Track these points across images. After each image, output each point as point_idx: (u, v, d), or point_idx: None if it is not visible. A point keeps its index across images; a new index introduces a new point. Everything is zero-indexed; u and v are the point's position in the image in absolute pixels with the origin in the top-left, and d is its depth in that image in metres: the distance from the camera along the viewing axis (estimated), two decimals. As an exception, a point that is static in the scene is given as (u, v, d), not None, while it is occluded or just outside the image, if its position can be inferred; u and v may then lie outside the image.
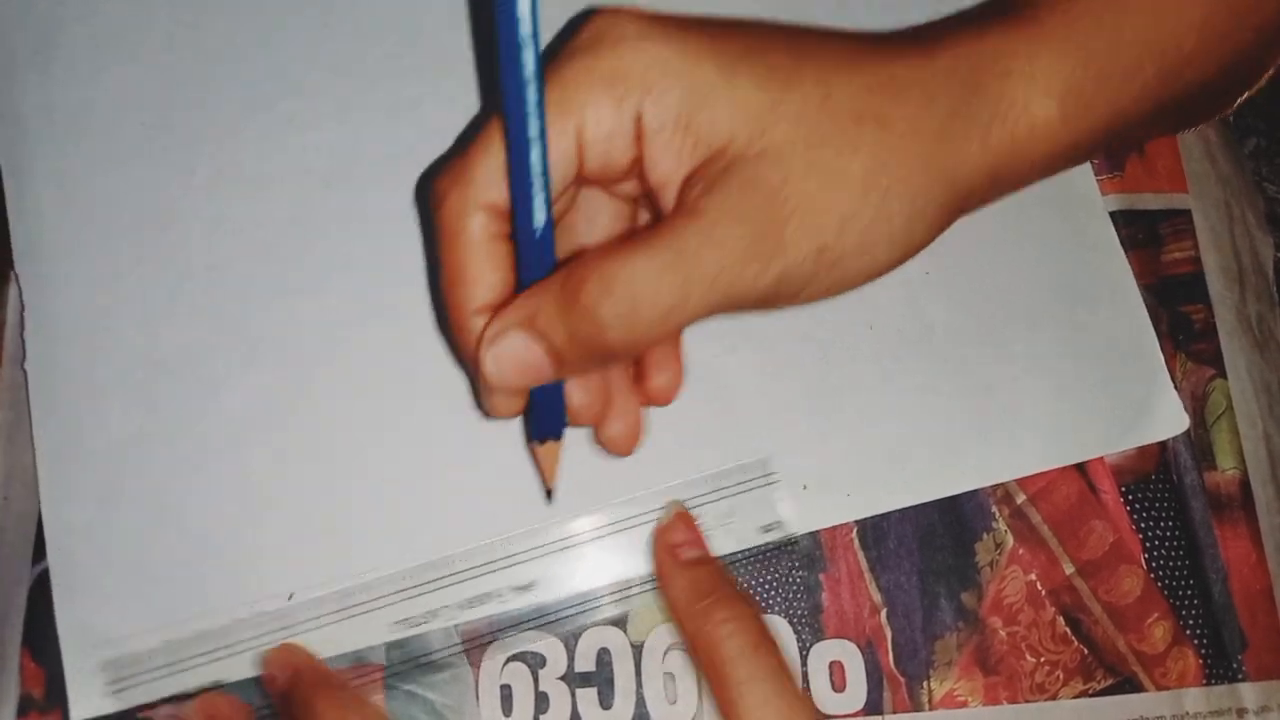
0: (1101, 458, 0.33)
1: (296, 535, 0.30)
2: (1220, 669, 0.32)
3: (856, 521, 0.31)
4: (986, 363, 0.33)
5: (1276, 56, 0.28)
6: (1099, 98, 0.25)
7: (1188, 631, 0.32)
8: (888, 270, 0.25)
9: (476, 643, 0.30)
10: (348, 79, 0.34)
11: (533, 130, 0.22)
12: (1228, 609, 0.32)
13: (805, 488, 0.31)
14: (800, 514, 0.31)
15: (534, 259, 0.24)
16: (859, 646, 0.31)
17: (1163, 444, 0.33)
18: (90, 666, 0.29)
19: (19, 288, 0.32)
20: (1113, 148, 0.30)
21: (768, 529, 0.31)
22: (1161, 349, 0.34)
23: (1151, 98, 0.26)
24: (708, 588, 0.29)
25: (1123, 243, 0.34)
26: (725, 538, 0.31)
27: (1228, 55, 0.27)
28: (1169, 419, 0.33)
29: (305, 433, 0.31)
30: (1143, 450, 0.33)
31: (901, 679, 0.31)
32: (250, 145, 0.33)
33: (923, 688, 0.31)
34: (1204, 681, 0.32)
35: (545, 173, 0.23)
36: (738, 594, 0.29)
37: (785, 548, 0.31)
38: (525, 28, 0.21)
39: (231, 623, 0.30)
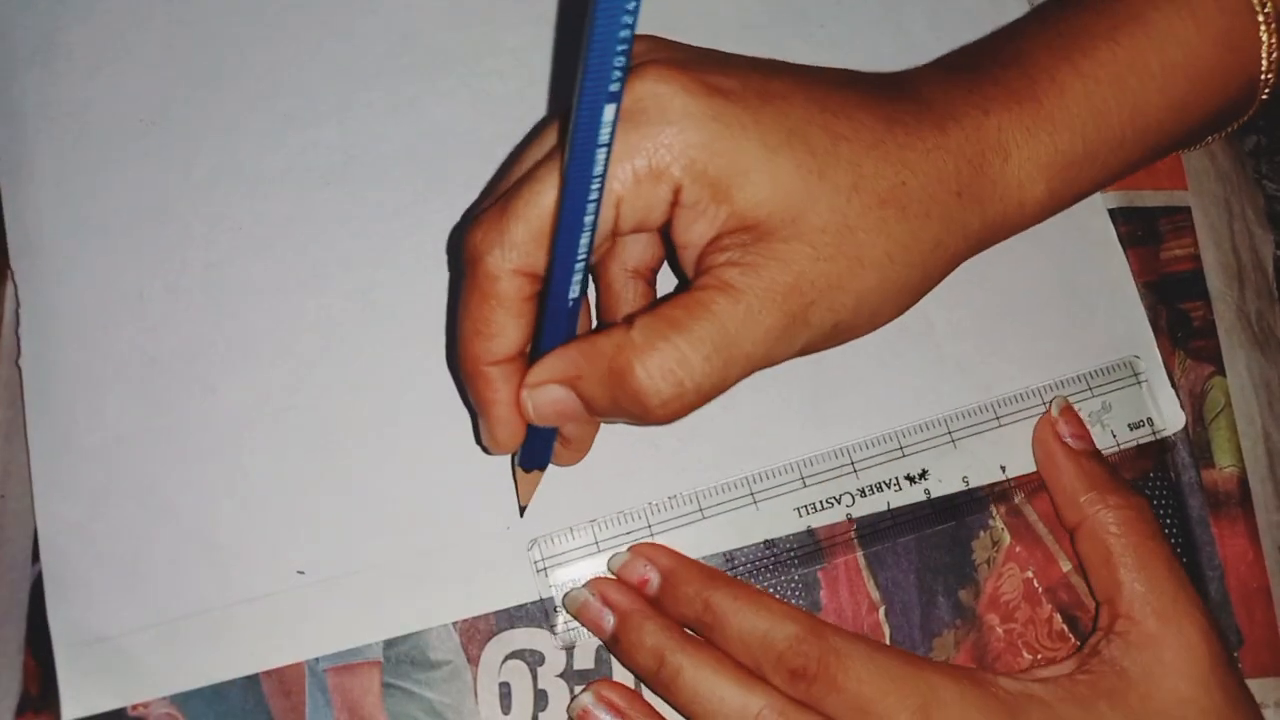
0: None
1: (293, 532, 0.30)
2: (1217, 666, 0.32)
3: (855, 519, 0.31)
4: (985, 360, 0.33)
5: (1244, 111, 0.31)
6: (1085, 174, 0.29)
7: (1185, 629, 0.32)
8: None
9: (475, 640, 0.30)
10: (346, 77, 0.34)
11: (588, 219, 0.23)
12: (1224, 606, 0.32)
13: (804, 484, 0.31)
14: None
15: (561, 326, 0.26)
16: (856, 644, 0.31)
17: (1160, 441, 0.33)
18: (83, 665, 0.29)
19: (14, 285, 0.32)
20: None
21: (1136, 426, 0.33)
22: (1160, 346, 0.34)
23: (1133, 163, 0.29)
24: (1099, 477, 0.30)
25: (1122, 240, 0.34)
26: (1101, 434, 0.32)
27: (1207, 121, 0.30)
28: (1167, 417, 0.33)
29: (302, 431, 0.31)
30: (1140, 447, 0.33)
31: (899, 676, 0.31)
32: (249, 143, 0.33)
33: (920, 685, 0.31)
34: (1201, 679, 0.32)
35: (590, 254, 0.24)
36: (1126, 485, 0.30)
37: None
38: (605, 135, 0.22)
39: (646, 505, 0.31)
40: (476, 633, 0.30)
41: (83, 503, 0.30)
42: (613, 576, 0.30)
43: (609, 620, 0.29)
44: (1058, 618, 0.32)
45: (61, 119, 0.33)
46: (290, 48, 0.34)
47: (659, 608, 0.29)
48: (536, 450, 0.29)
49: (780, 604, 0.28)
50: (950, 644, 0.31)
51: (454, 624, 0.30)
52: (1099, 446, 0.32)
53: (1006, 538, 0.32)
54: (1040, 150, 0.28)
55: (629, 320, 0.25)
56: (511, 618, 0.30)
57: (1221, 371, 0.34)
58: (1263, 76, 0.29)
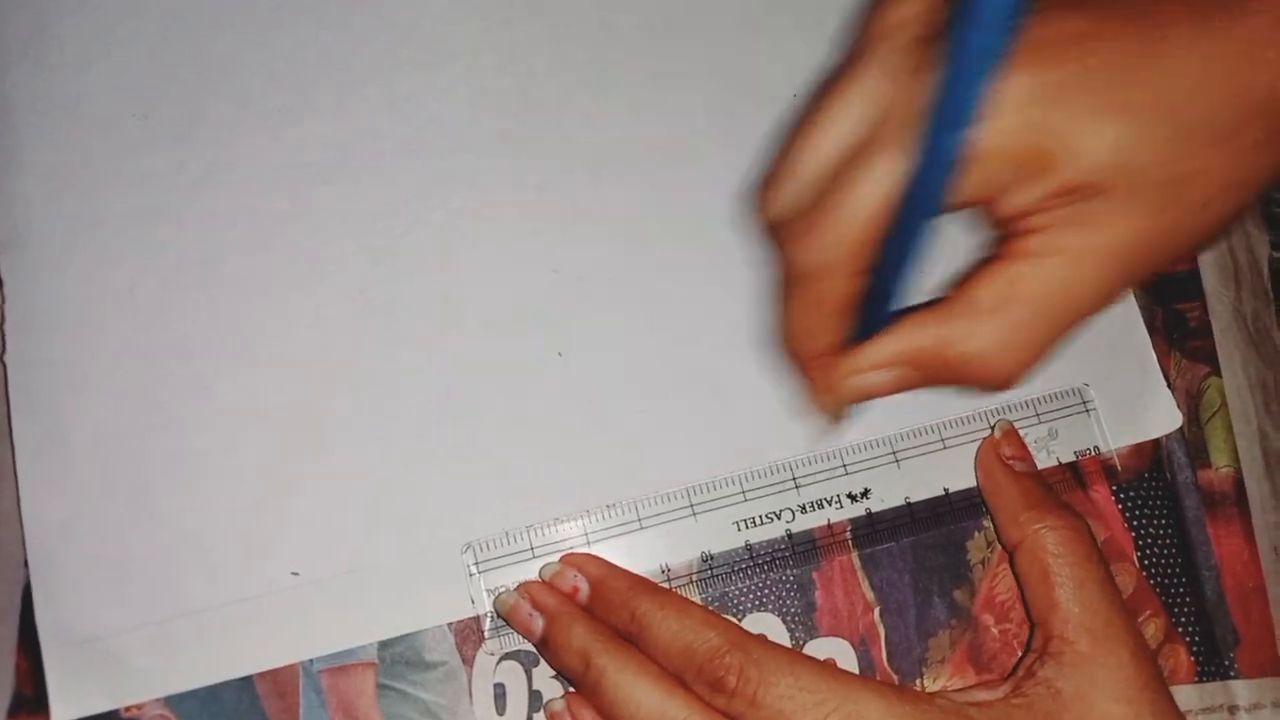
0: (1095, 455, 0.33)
1: (287, 532, 0.30)
2: (1212, 666, 0.32)
3: (850, 519, 0.31)
4: None
5: None
6: None
7: (1180, 629, 0.32)
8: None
9: (469, 641, 0.30)
10: (343, 72, 0.34)
11: (925, 233, 0.24)
12: (1220, 606, 0.32)
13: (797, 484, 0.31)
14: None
15: (878, 321, 0.27)
16: (852, 644, 0.31)
17: (1156, 441, 0.33)
18: (73, 666, 0.29)
19: (0, 280, 0.31)
20: None
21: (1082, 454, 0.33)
22: (1156, 347, 0.34)
23: None
24: (1039, 496, 0.30)
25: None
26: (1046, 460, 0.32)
27: None
28: (1163, 416, 0.33)
29: (296, 430, 0.31)
30: (1136, 447, 0.33)
31: (895, 676, 0.31)
32: (244, 138, 0.33)
33: (916, 685, 0.31)
34: (1196, 679, 0.32)
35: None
36: (1066, 506, 0.30)
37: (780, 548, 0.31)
38: (969, 117, 0.22)
39: (584, 512, 0.31)
40: (471, 634, 0.30)
41: (71, 502, 0.30)
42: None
43: (538, 623, 0.29)
44: (1053, 618, 0.32)
45: (53, 112, 0.33)
46: (286, 41, 0.34)
47: (594, 612, 0.29)
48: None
49: (706, 613, 0.28)
50: (945, 644, 0.31)
51: (449, 625, 0.30)
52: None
53: (1002, 538, 0.32)
54: None
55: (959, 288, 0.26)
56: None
57: (1217, 372, 0.34)
58: None
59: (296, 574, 0.30)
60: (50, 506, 0.30)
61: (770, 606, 0.31)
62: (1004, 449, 0.31)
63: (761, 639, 0.28)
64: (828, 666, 0.28)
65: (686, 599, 0.29)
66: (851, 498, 0.32)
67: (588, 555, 0.30)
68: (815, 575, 0.31)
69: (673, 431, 0.32)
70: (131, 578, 0.30)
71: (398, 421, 0.31)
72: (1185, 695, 0.32)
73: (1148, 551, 0.32)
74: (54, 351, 0.31)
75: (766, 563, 0.31)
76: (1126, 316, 0.34)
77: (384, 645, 0.30)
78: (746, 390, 0.32)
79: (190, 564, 0.30)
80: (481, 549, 0.30)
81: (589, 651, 0.27)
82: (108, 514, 0.30)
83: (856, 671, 0.31)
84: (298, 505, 0.31)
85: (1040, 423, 0.32)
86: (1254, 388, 0.35)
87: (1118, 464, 0.33)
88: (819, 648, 0.31)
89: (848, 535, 0.31)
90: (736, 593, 0.31)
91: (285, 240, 0.32)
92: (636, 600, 0.28)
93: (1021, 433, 0.32)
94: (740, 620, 0.31)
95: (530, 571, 0.30)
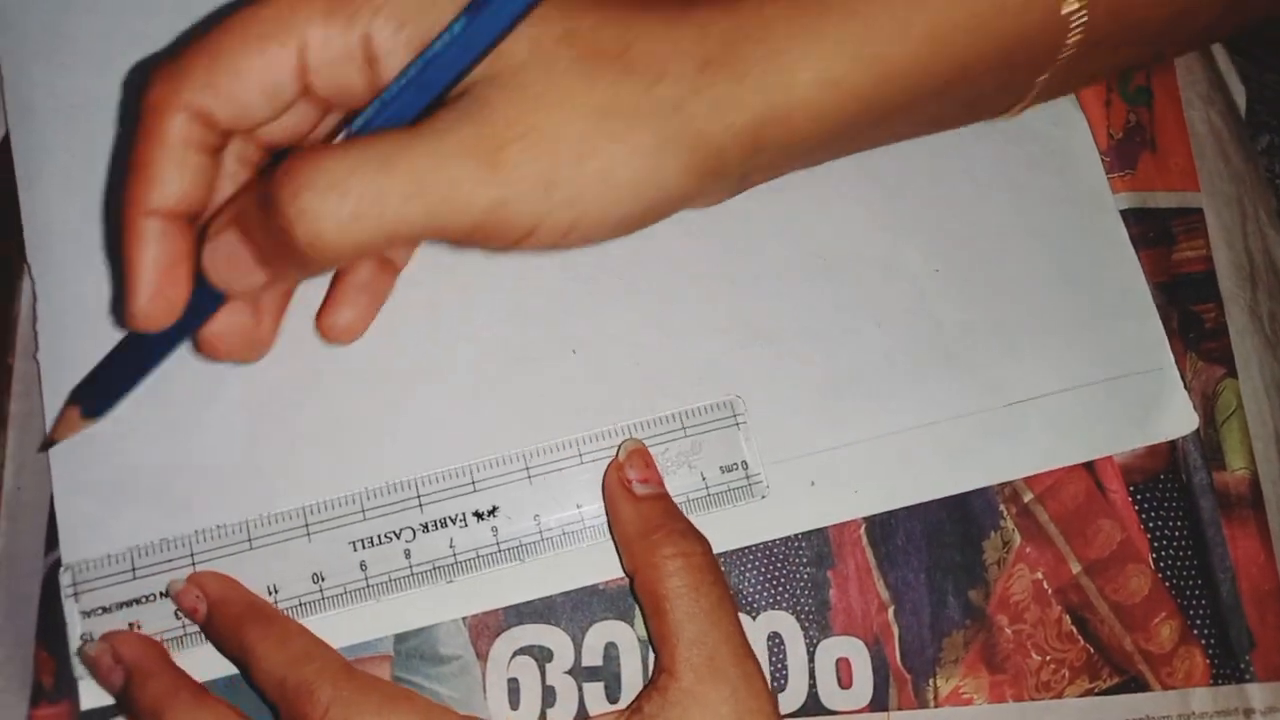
0: (1110, 456, 0.33)
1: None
2: (1227, 669, 0.32)
3: (865, 518, 0.31)
4: (995, 361, 0.33)
5: (1047, 59, 0.27)
6: (866, 76, 0.24)
7: (1195, 631, 0.32)
8: (637, 224, 0.24)
9: (484, 635, 0.30)
10: None
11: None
12: (1236, 609, 0.32)
13: (813, 484, 0.31)
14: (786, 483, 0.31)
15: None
16: (866, 643, 0.31)
17: (1172, 443, 0.33)
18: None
19: (31, 279, 0.32)
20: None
21: (728, 469, 0.31)
22: (1172, 348, 0.33)
23: (924, 87, 0.25)
24: (656, 522, 0.29)
25: (1134, 241, 0.34)
26: (688, 475, 0.31)
27: (1007, 52, 0.25)
28: (1179, 418, 0.33)
29: (319, 423, 0.31)
30: (1152, 449, 0.33)
31: (908, 676, 0.31)
32: None
33: (929, 685, 0.31)
34: (1211, 681, 0.32)
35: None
36: (686, 530, 0.29)
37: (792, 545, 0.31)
38: None
39: (195, 534, 0.30)
40: (485, 628, 0.30)
41: (101, 496, 0.30)
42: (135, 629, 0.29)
43: (119, 677, 0.28)
44: (1067, 619, 0.32)
45: (74, 112, 0.33)
46: None
47: (209, 636, 0.29)
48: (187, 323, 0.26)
49: (310, 645, 0.27)
50: (959, 644, 0.31)
51: (463, 619, 0.30)
52: (687, 488, 0.30)
53: (1017, 538, 0.32)
54: (811, 33, 0.24)
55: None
56: (520, 614, 0.31)
57: (1234, 373, 0.34)
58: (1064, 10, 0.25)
59: (320, 577, 0.30)
60: (82, 500, 0.30)
61: (785, 605, 0.31)
62: (628, 471, 0.30)
63: (364, 677, 0.27)
64: (431, 707, 0.27)
65: (298, 626, 0.28)
66: (479, 515, 0.30)
67: (213, 574, 0.29)
68: (830, 574, 0.31)
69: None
70: (153, 570, 0.30)
71: (420, 414, 0.31)
72: (1199, 698, 0.32)
73: (1163, 553, 0.32)
74: (84, 348, 0.31)
75: (384, 585, 0.30)
76: (1143, 318, 0.34)
77: (399, 639, 0.30)
78: None
79: (210, 559, 0.30)
80: (81, 570, 0.29)
81: (160, 710, 0.27)
82: (137, 507, 0.30)
83: (870, 670, 0.31)
84: (315, 499, 0.31)
85: (686, 436, 0.31)
86: (1270, 389, 0.35)
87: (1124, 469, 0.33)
88: (832, 646, 0.31)
89: (861, 533, 0.32)
90: (750, 591, 0.31)
91: None
92: (245, 629, 0.27)
93: (665, 447, 0.31)
94: (754, 619, 0.31)
95: (131, 592, 0.29)
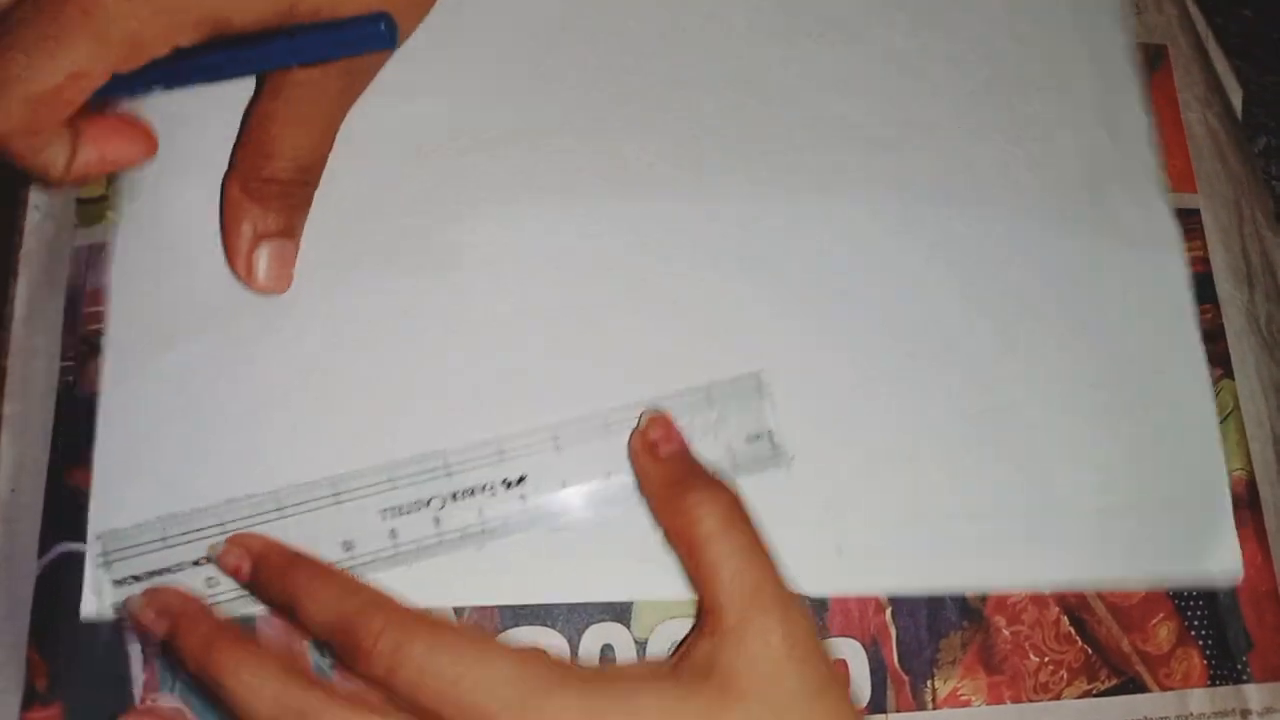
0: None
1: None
2: (1225, 670, 0.32)
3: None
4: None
5: None
6: None
7: (1193, 632, 0.32)
8: None
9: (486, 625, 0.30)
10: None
11: None
12: (1233, 610, 0.32)
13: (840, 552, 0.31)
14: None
15: None
16: (864, 645, 0.31)
17: (1170, 445, 0.33)
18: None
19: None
20: None
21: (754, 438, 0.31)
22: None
23: None
24: (682, 473, 0.29)
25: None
26: (714, 445, 0.31)
27: None
28: (1224, 561, 0.33)
29: (347, 389, 0.31)
30: (1150, 451, 0.33)
31: (906, 678, 0.31)
32: None
33: (926, 686, 0.31)
34: (1208, 682, 0.32)
35: None
36: (709, 477, 0.29)
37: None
38: None
39: (225, 503, 0.30)
40: (487, 619, 0.30)
41: (131, 466, 0.30)
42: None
43: (164, 624, 0.28)
44: (1065, 620, 0.32)
45: None
46: None
47: (255, 592, 0.29)
48: None
49: (355, 582, 0.28)
50: (957, 645, 0.31)
51: (462, 615, 0.30)
52: (713, 459, 0.31)
53: (1015, 540, 0.32)
54: None
55: None
56: (517, 615, 0.30)
57: (1230, 375, 0.34)
58: None
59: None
60: (113, 470, 0.30)
61: (782, 606, 0.31)
62: (651, 434, 0.30)
63: (413, 608, 0.27)
64: (476, 631, 0.27)
65: (342, 572, 0.28)
66: (507, 484, 0.30)
67: (253, 534, 0.29)
68: (827, 575, 0.31)
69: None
70: (184, 538, 0.30)
71: (446, 401, 0.31)
72: (1197, 699, 0.32)
73: (1160, 554, 0.32)
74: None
75: (413, 552, 0.30)
76: (1208, 454, 0.33)
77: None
78: None
79: (240, 527, 0.30)
80: (112, 539, 0.29)
81: (210, 646, 0.27)
82: (165, 478, 0.30)
83: (868, 672, 0.31)
84: (344, 468, 0.30)
85: (711, 407, 0.31)
86: (1267, 391, 0.35)
87: None
88: (830, 648, 0.31)
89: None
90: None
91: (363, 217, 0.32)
92: (290, 575, 0.28)
93: (690, 417, 0.31)
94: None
95: (163, 561, 0.29)
